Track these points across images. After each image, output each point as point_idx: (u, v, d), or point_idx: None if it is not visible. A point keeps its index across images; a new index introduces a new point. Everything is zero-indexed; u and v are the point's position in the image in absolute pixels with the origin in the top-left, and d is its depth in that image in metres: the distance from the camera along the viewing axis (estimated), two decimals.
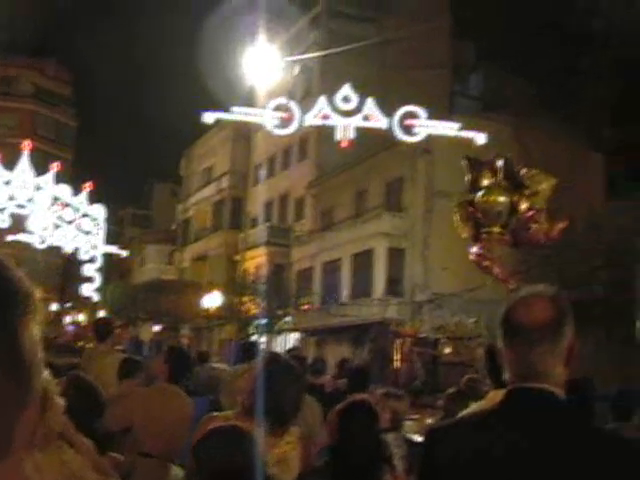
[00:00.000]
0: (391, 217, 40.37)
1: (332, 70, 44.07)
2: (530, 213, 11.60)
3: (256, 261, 50.81)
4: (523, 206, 11.63)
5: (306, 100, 39.00)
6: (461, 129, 27.14)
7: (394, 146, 35.56)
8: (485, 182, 11.83)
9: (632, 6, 36.07)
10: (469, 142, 26.57)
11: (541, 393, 2.78)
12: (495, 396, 4.10)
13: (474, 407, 4.78)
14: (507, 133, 35.19)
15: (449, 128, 27.28)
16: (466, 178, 12.03)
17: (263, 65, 27.64)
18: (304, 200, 50.65)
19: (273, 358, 5.01)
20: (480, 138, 26.55)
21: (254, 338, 39.58)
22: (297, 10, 53.77)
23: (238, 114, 28.16)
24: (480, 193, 11.63)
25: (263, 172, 56.00)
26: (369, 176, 43.03)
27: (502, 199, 11.67)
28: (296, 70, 50.19)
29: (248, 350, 11.49)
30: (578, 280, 26.92)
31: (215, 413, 5.02)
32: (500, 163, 11.82)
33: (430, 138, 28.95)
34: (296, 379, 4.76)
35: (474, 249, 12.19)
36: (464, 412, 4.97)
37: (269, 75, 29.54)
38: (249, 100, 35.72)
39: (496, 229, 11.69)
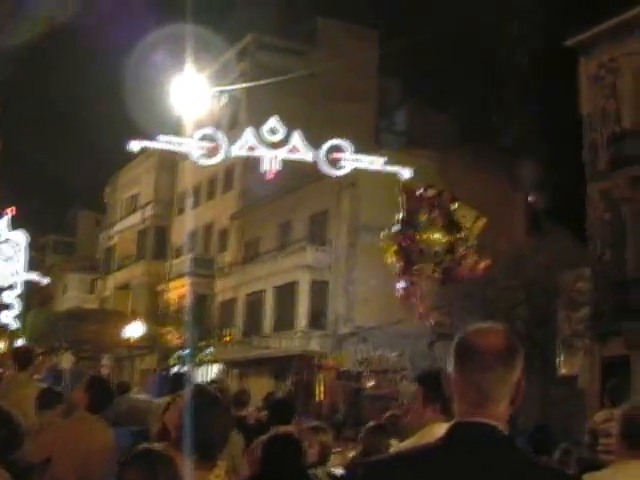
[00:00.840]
0: (315, 250, 40.43)
1: (259, 101, 44.14)
2: (464, 252, 11.78)
3: (179, 291, 50.45)
4: (460, 247, 11.81)
5: (233, 131, 39.03)
6: (386, 164, 27.26)
7: (319, 179, 35.65)
8: (422, 218, 11.92)
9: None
10: (394, 177, 26.73)
11: (485, 429, 2.79)
12: (436, 430, 4.09)
13: (412, 440, 4.76)
14: (432, 168, 35.45)
15: (374, 162, 27.37)
16: (400, 213, 12.10)
17: (190, 95, 27.53)
18: (228, 231, 50.51)
19: (200, 390, 4.95)
20: (405, 173, 26.69)
21: (176, 369, 39.18)
22: (225, 41, 53.83)
23: (164, 143, 27.98)
24: (418, 229, 11.72)
25: (188, 202, 55.70)
26: (294, 209, 43.07)
27: (442, 239, 11.80)
28: (223, 101, 50.15)
29: (174, 381, 11.35)
30: (500, 315, 27.21)
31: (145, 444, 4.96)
32: (435, 197, 11.94)
33: (355, 172, 29.06)
34: (223, 411, 4.72)
35: (401, 284, 12.26)
36: (403, 445, 4.95)
37: (196, 105, 29.43)
38: (176, 129, 35.59)
39: (429, 266, 11.79)
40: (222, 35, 53.03)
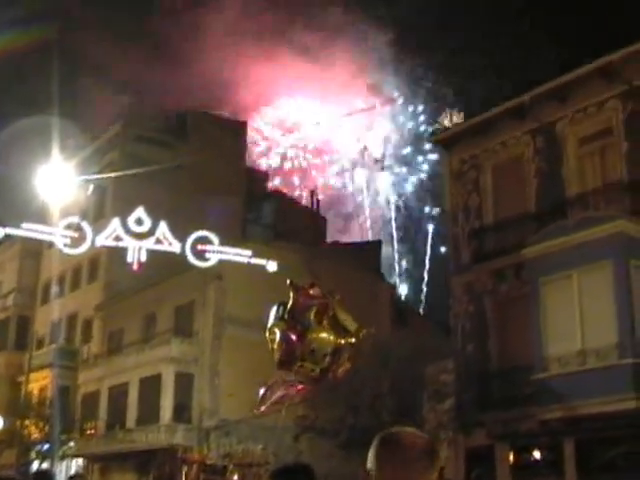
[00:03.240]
0: (180, 342, 40.05)
1: (127, 192, 43.92)
2: (346, 356, 11.95)
3: (41, 383, 49.16)
4: (345, 353, 11.97)
5: (99, 220, 38.66)
6: (253, 256, 27.37)
7: (185, 271, 35.53)
8: (312, 316, 12.01)
9: None
10: (261, 269, 26.87)
11: None
12: None
13: None
14: (298, 261, 35.76)
15: (241, 255, 27.47)
16: (283, 307, 12.15)
17: (56, 183, 27.24)
18: (93, 321, 49.63)
19: None
20: (271, 266, 26.86)
21: (37, 464, 38.00)
22: (94, 130, 53.67)
23: (28, 231, 27.50)
24: (308, 327, 11.81)
25: (52, 291, 54.61)
26: (159, 300, 42.68)
27: (333, 341, 11.95)
28: (90, 190, 49.73)
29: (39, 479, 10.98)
30: (365, 406, 27.33)
31: None
32: (323, 297, 12.12)
33: (222, 264, 29.08)
34: None
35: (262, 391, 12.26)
36: None
37: (62, 193, 29.12)
38: (41, 217, 35.04)
39: (311, 365, 11.88)
40: (91, 124, 52.90)
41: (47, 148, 29.33)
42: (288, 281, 12.61)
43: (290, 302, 12.44)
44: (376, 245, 54.68)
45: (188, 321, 41.24)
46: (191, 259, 26.50)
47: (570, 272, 24.41)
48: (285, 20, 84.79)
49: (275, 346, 12.34)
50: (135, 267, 26.26)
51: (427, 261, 76.16)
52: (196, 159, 45.30)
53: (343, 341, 11.90)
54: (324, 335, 11.85)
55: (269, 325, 12.92)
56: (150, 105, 53.36)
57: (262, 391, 12.28)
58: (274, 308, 12.55)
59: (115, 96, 55.34)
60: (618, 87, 26.01)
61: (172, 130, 52.83)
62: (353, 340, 11.92)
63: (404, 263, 79.03)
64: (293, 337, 12.15)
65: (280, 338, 12.31)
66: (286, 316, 12.38)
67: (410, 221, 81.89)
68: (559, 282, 24.77)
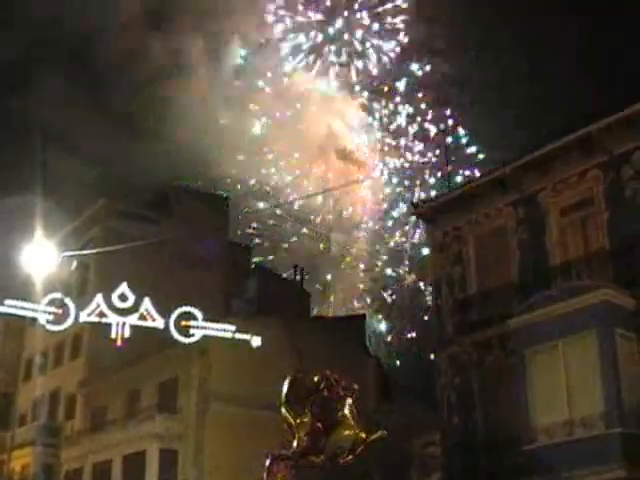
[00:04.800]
0: (164, 418, 39.65)
1: (110, 267, 43.86)
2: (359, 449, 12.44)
3: (23, 461, 48.57)
4: (359, 447, 12.36)
5: (82, 296, 38.49)
6: (237, 331, 27.30)
7: (169, 346, 35.33)
8: (343, 413, 12.36)
9: None
10: (245, 344, 26.79)
11: None
12: None
13: None
14: (282, 336, 35.68)
15: (225, 330, 27.38)
16: (319, 395, 12.38)
17: (39, 259, 27.16)
18: (76, 398, 49.16)
19: None
20: (256, 341, 26.80)
21: None
22: (77, 206, 53.76)
23: (10, 307, 27.32)
24: (340, 423, 12.11)
25: (35, 367, 54.22)
26: (143, 376, 42.37)
27: (353, 437, 12.37)
28: (73, 265, 49.62)
29: None
30: None
31: None
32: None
33: (206, 339, 28.93)
34: None
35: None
36: None
37: (45, 269, 29.03)
38: (24, 294, 34.82)
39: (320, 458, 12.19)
40: (74, 200, 53.02)
41: (29, 225, 29.32)
42: (318, 376, 12.77)
43: (321, 394, 12.62)
44: (360, 319, 54.65)
45: (172, 397, 40.87)
46: (175, 335, 26.40)
47: (555, 342, 24.38)
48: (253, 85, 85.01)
49: (297, 436, 12.44)
50: (119, 343, 26.13)
51: (414, 332, 76.08)
52: (179, 234, 45.35)
53: (362, 436, 12.17)
54: (348, 432, 12.10)
55: (284, 401, 12.96)
56: (132, 181, 53.63)
57: (268, 462, 12.29)
58: (287, 385, 12.63)
59: (95, 172, 55.61)
60: (598, 157, 26.27)
61: (154, 205, 52.95)
62: (370, 437, 12.19)
63: (388, 334, 78.86)
64: (320, 430, 12.36)
65: (307, 431, 12.45)
66: (315, 410, 12.56)
67: (389, 290, 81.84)
68: (545, 352, 24.72)
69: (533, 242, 27.81)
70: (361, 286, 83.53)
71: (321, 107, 76.97)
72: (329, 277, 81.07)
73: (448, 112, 77.30)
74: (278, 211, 79.46)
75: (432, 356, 31.03)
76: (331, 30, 77.17)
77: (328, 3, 76.69)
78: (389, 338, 78.11)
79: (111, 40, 71.33)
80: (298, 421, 13.42)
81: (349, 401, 12.80)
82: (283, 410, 13.51)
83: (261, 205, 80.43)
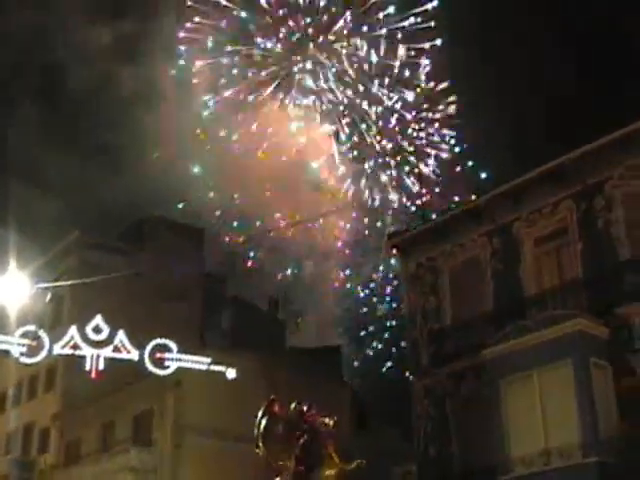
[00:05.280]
0: (139, 451, 39.31)
1: (84, 299, 43.62)
2: None
3: None
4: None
5: (56, 328, 38.26)
6: (212, 363, 27.24)
7: (144, 378, 35.12)
8: (326, 453, 12.45)
9: None
10: (220, 376, 26.72)
11: None
12: None
13: None
14: (257, 367, 35.59)
15: (200, 362, 27.31)
16: (305, 438, 12.45)
17: (13, 290, 27.01)
18: (50, 431, 48.70)
19: None
20: (231, 373, 26.75)
21: None
22: (52, 237, 53.53)
23: None
24: (323, 463, 12.20)
25: (8, 400, 53.68)
26: (118, 408, 42.05)
27: (335, 475, 12.40)
28: (47, 297, 49.31)
29: None
30: None
31: None
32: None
33: (181, 371, 28.83)
34: None
35: None
36: None
37: (19, 301, 28.87)
38: None
39: None
40: (48, 231, 52.83)
41: (2, 258, 29.18)
42: (296, 412, 12.77)
43: (301, 436, 12.61)
44: (335, 349, 54.59)
45: (147, 429, 40.57)
46: (150, 367, 26.31)
47: (531, 372, 24.45)
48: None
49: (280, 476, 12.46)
50: (93, 375, 26.02)
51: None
52: (154, 266, 45.24)
53: (342, 468, 12.15)
54: (330, 472, 12.09)
55: (261, 441, 12.92)
56: (106, 212, 53.51)
57: None
58: (263, 421, 12.59)
59: (68, 203, 55.48)
60: (571, 188, 26.48)
61: (129, 236, 52.78)
62: (348, 467, 12.16)
63: (363, 363, 78.61)
64: (302, 473, 12.39)
65: (291, 474, 12.47)
66: (298, 453, 12.54)
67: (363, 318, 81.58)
68: (520, 382, 24.77)
69: (507, 272, 27.93)
70: (335, 315, 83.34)
71: (293, 134, 76.99)
72: (303, 307, 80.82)
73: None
74: (251, 240, 79.32)
75: (409, 384, 30.95)
76: (300, 62, 77.27)
77: (297, 36, 76.74)
78: (364, 366, 77.90)
79: (81, 71, 71.40)
80: (280, 463, 13.39)
81: (330, 441, 12.82)
82: (261, 450, 13.44)
83: (235, 235, 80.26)
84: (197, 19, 60.31)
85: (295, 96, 75.03)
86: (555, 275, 26.95)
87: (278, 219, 78.54)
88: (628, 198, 25.39)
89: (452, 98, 61.77)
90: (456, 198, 58.36)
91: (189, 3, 60.98)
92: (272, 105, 68.91)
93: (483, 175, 62.33)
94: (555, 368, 23.93)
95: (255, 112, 70.70)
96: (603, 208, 25.79)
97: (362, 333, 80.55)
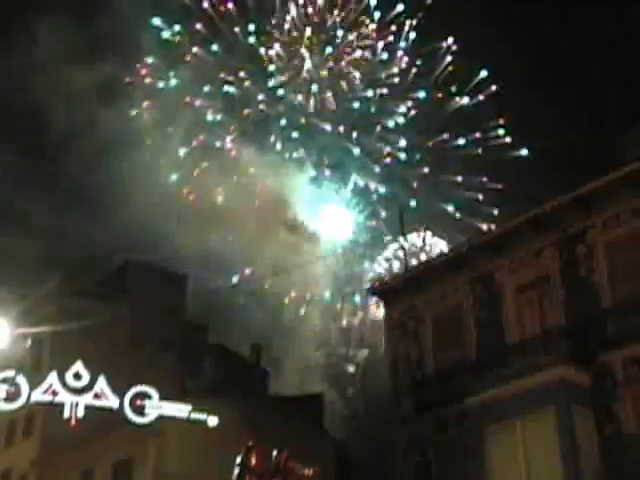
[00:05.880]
0: None
1: (64, 345, 43.34)
2: None
3: None
4: None
5: (36, 374, 37.89)
6: (193, 411, 27.10)
7: (124, 425, 34.80)
8: None
9: None
10: (201, 423, 26.57)
11: None
12: None
13: None
14: (239, 415, 35.34)
15: (181, 410, 27.15)
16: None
17: None
18: (28, 478, 48.15)
19: None
20: (212, 420, 26.62)
21: None
22: (33, 281, 53.32)
23: None
24: None
25: None
26: (97, 455, 41.62)
27: None
28: (27, 343, 49.01)
29: None
30: None
31: None
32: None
33: (162, 419, 28.64)
34: None
35: None
36: None
37: None
38: None
39: None
40: (29, 275, 52.57)
41: None
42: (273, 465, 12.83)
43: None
44: (317, 398, 54.32)
45: (127, 477, 40.14)
46: (130, 415, 26.15)
47: (513, 420, 24.40)
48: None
49: None
50: (73, 423, 25.83)
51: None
52: (135, 312, 45.08)
53: None
54: None
55: None
56: (88, 256, 53.36)
57: None
58: (237, 469, 12.59)
59: (49, 248, 55.33)
60: (553, 236, 26.61)
61: (111, 282, 52.60)
62: None
63: (344, 411, 78.33)
64: None
65: None
66: None
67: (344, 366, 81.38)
68: (502, 430, 24.70)
69: (490, 320, 27.97)
70: (316, 362, 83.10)
71: (272, 179, 77.16)
72: (284, 354, 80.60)
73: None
74: (232, 286, 79.17)
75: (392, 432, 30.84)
76: (281, 107, 77.54)
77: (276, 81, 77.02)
78: (346, 415, 77.56)
79: (60, 114, 71.39)
80: None
81: None
82: None
83: (217, 281, 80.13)
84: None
85: (272, 142, 75.39)
86: (537, 323, 26.98)
87: (255, 269, 78.46)
88: (609, 246, 25.51)
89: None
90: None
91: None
92: (248, 151, 69.18)
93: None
94: (538, 416, 23.88)
95: (232, 158, 70.98)
96: (585, 256, 25.90)
97: (342, 380, 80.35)
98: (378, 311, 48.63)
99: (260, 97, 75.64)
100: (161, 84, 70.76)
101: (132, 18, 67.69)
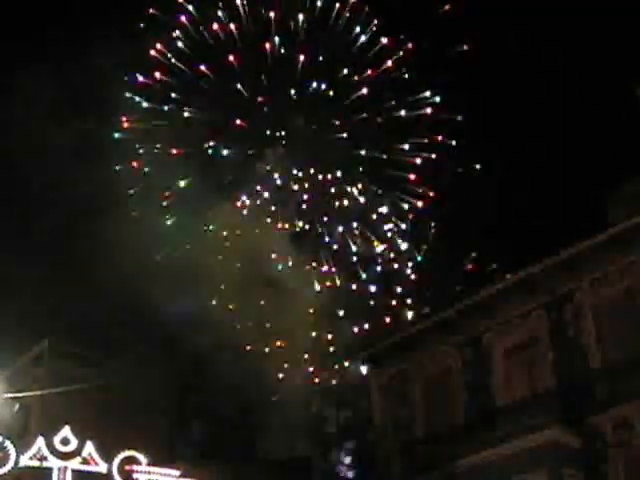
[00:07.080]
0: None
1: (53, 409, 42.98)
2: None
3: None
4: None
5: (24, 438, 37.62)
6: (182, 476, 26.97)
7: None
8: None
9: None
10: None
11: None
12: None
13: None
14: (229, 479, 35.13)
15: (170, 475, 27.02)
16: None
17: None
18: None
19: None
20: None
21: None
22: (20, 345, 53.04)
23: None
24: None
25: None
26: None
27: None
28: (15, 407, 48.66)
29: None
30: None
31: None
32: None
33: None
34: None
35: None
36: None
37: None
38: None
39: None
40: (17, 339, 52.32)
41: None
42: None
43: None
44: (305, 460, 53.89)
45: None
46: None
47: None
48: None
49: None
50: None
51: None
52: (123, 376, 44.80)
53: None
54: None
55: None
56: (75, 320, 53.09)
57: None
58: None
59: (35, 311, 55.05)
60: (541, 297, 26.67)
61: (99, 345, 52.35)
62: None
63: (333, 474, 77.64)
64: None
65: None
66: None
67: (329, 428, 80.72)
68: None
69: (479, 383, 27.92)
70: (303, 425, 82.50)
71: (251, 235, 76.95)
72: (273, 415, 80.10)
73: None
74: (221, 348, 78.82)
75: None
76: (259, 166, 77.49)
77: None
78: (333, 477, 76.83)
79: (40, 174, 71.33)
80: None
81: None
82: None
83: (203, 341, 79.80)
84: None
85: (255, 196, 75.44)
86: (526, 385, 26.93)
87: (242, 330, 78.17)
88: (598, 307, 25.56)
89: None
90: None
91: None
92: (231, 205, 69.06)
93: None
94: (528, 479, 23.77)
95: (214, 213, 70.95)
96: (573, 317, 25.95)
97: (327, 443, 79.64)
98: (358, 370, 48.50)
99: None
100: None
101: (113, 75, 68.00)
